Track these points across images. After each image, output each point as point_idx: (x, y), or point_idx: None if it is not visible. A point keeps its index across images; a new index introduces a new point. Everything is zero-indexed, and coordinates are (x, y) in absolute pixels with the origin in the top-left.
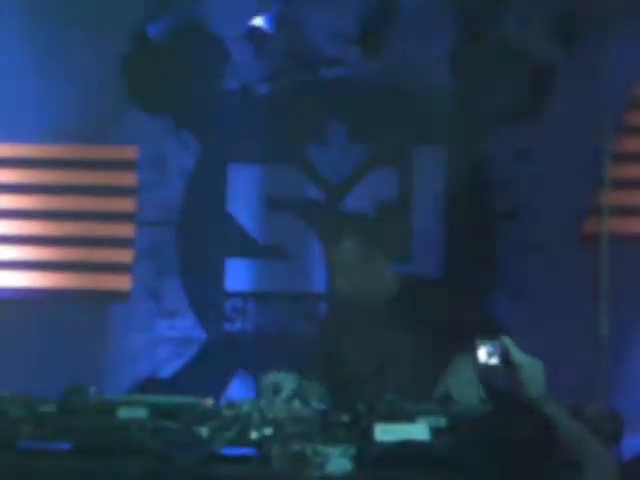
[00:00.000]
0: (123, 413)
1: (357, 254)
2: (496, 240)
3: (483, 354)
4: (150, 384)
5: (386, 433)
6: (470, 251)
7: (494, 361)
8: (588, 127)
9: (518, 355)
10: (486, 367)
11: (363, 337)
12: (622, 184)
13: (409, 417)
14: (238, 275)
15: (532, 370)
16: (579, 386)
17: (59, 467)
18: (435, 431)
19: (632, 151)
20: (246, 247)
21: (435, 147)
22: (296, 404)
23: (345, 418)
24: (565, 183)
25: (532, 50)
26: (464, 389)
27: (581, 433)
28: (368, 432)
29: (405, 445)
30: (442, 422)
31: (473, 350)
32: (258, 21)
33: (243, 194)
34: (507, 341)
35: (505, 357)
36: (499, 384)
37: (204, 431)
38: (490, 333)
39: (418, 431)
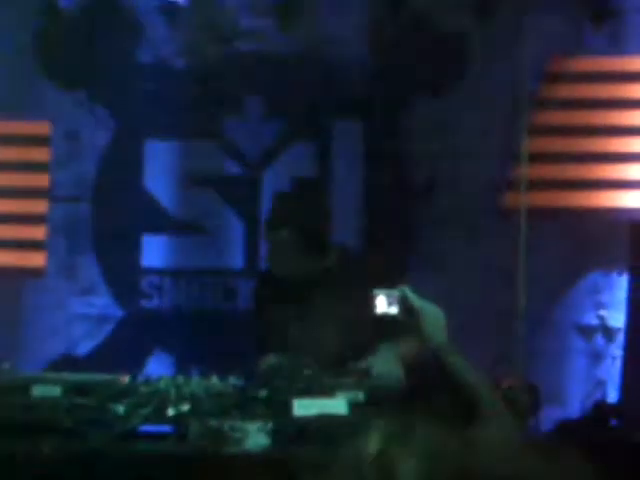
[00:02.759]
0: (37, 391)
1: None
2: (414, 211)
3: (382, 303)
4: (65, 362)
5: (304, 408)
6: (389, 225)
7: (393, 310)
8: (505, 100)
9: (418, 302)
10: (385, 316)
11: (300, 315)
12: (539, 157)
13: (328, 392)
14: (154, 251)
15: (433, 317)
16: (495, 359)
17: None
18: (353, 405)
19: (547, 124)
20: (162, 223)
21: (353, 120)
22: (214, 379)
23: (263, 393)
24: (483, 155)
25: (448, 22)
26: (384, 367)
27: (484, 387)
28: (286, 407)
29: (323, 420)
30: (360, 396)
31: (371, 300)
32: None
33: (159, 169)
34: (406, 289)
35: (404, 305)
36: (420, 362)
37: (120, 408)
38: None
39: (336, 405)
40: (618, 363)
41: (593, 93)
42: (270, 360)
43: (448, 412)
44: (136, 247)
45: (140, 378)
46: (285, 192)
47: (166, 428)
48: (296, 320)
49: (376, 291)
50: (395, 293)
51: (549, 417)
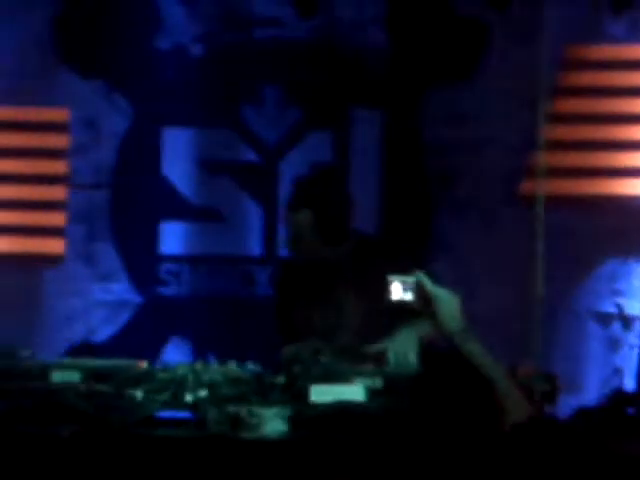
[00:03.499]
0: (56, 377)
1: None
2: (432, 202)
3: (397, 289)
4: (84, 348)
5: (321, 394)
6: (406, 213)
7: (408, 296)
8: (523, 90)
9: (433, 289)
10: (400, 302)
11: (319, 301)
12: (557, 145)
13: (345, 378)
14: (173, 238)
15: (449, 303)
16: (514, 347)
17: None
18: (371, 392)
19: (566, 112)
20: (181, 210)
21: (371, 109)
22: (232, 365)
23: (280, 379)
24: (502, 143)
25: (467, 12)
26: (401, 351)
27: (500, 374)
28: (303, 393)
29: (340, 406)
30: (378, 383)
31: (387, 287)
32: None
33: (177, 156)
34: (421, 275)
35: (419, 291)
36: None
37: (138, 394)
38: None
39: (353, 392)
40: (635, 351)
41: (612, 81)
42: (292, 349)
43: (464, 399)
44: (154, 234)
45: (158, 364)
46: (307, 176)
47: (184, 414)
48: (316, 307)
49: (391, 277)
50: (410, 279)
51: (566, 404)
